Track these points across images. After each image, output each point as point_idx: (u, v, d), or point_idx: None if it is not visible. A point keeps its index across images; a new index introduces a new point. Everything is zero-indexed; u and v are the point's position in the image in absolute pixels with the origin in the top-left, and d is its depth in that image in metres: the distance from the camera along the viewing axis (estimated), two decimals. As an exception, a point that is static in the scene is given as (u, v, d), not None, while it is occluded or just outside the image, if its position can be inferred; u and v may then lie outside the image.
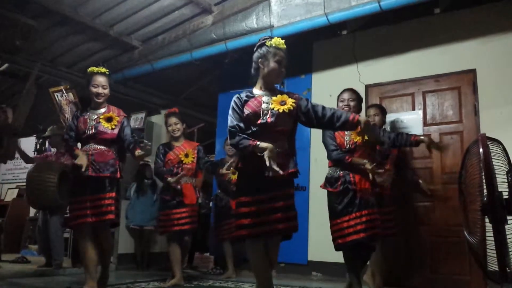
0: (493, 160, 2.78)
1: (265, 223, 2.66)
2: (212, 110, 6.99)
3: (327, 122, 2.81)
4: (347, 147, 3.50)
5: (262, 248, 2.74)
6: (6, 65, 6.25)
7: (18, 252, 7.18)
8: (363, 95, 5.04)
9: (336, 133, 3.56)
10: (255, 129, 2.76)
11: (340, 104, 3.70)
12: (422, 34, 5.02)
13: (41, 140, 8.04)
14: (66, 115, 6.40)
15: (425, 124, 4.87)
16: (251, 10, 5.13)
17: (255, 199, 2.69)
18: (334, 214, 3.46)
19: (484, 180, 2.77)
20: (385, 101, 5.13)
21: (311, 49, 5.77)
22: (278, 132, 2.77)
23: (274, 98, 2.81)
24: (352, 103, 3.65)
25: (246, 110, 2.78)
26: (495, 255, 2.72)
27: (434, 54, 4.91)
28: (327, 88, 5.21)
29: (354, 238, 3.33)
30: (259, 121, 2.75)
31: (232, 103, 2.84)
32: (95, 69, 3.78)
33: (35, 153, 8.23)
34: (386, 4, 4.33)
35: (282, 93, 2.89)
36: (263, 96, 2.84)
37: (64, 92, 6.14)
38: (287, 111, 2.75)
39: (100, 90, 3.71)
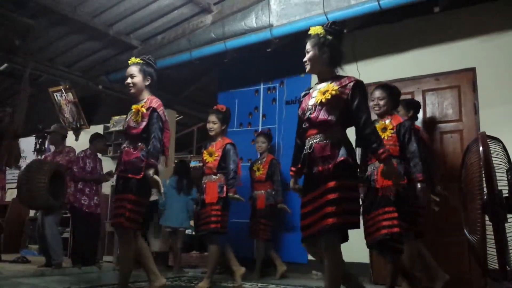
0: (493, 158, 2.78)
1: (311, 225, 2.53)
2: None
3: (358, 134, 2.67)
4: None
5: (318, 248, 2.62)
6: (5, 64, 6.25)
7: (18, 252, 7.17)
8: (362, 94, 5.05)
9: None
10: (305, 125, 2.70)
11: (371, 103, 3.57)
12: (421, 33, 5.02)
13: (40, 140, 8.03)
14: (65, 115, 6.41)
15: (425, 123, 4.87)
16: (250, 10, 5.13)
17: (307, 199, 2.60)
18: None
19: (484, 179, 2.77)
20: (385, 100, 5.13)
21: (310, 48, 5.77)
22: (321, 123, 2.62)
23: (321, 89, 2.68)
24: (382, 102, 3.60)
25: (300, 111, 2.78)
26: (495, 254, 2.72)
27: (434, 53, 4.91)
28: (327, 87, 5.20)
29: (374, 236, 3.29)
30: (305, 117, 2.69)
31: None
32: (129, 61, 3.52)
33: (35, 153, 8.22)
34: (385, 3, 4.33)
35: (337, 79, 2.74)
36: (314, 91, 2.75)
37: (64, 92, 6.16)
38: (324, 100, 2.59)
39: (128, 80, 3.43)
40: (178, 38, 5.65)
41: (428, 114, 4.89)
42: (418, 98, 4.94)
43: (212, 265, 4.40)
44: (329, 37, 2.74)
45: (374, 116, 3.73)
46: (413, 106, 4.37)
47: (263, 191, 5.28)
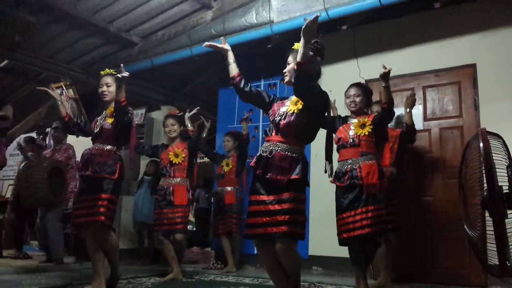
0: (493, 154, 2.79)
1: (259, 225, 2.64)
2: (213, 106, 6.99)
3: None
4: (351, 141, 3.52)
5: (266, 248, 2.72)
6: (5, 61, 6.25)
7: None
8: (363, 90, 5.07)
9: (341, 127, 3.63)
10: (271, 130, 2.81)
11: (347, 100, 3.71)
12: (422, 29, 5.02)
13: (41, 136, 8.03)
14: (66, 111, 6.39)
15: (425, 119, 4.88)
16: (251, 6, 5.12)
17: (256, 200, 2.70)
18: (339, 209, 3.47)
19: (484, 175, 2.78)
20: (385, 96, 5.13)
21: (311, 44, 5.76)
22: (288, 131, 2.72)
23: (292, 100, 2.78)
24: (357, 99, 3.65)
25: (270, 113, 2.85)
26: (495, 249, 2.73)
27: (434, 49, 4.91)
28: (327, 83, 5.15)
29: (359, 233, 3.32)
30: (274, 122, 2.78)
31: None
32: (102, 72, 3.77)
33: (36, 149, 8.22)
34: (386, -1, 4.33)
35: None
36: (288, 101, 2.84)
37: (64, 88, 6.14)
38: (297, 111, 2.69)
39: (104, 88, 3.67)
40: (179, 34, 5.65)
41: (429, 110, 4.89)
42: (419, 94, 4.94)
43: (181, 254, 4.76)
44: (310, 53, 2.75)
45: (347, 112, 3.81)
46: (369, 92, 4.40)
47: (231, 187, 5.36)
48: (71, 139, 6.39)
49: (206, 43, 2.88)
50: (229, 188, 5.37)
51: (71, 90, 6.33)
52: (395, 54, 5.15)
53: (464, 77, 4.75)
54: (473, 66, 4.68)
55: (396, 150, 4.25)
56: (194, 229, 7.80)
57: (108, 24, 5.54)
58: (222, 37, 2.99)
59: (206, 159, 9.67)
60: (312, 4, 4.71)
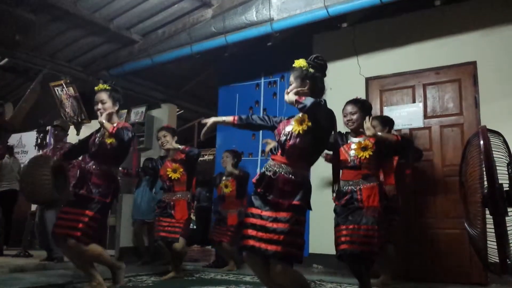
0: (493, 152, 2.78)
1: (252, 237, 2.59)
2: (213, 104, 6.99)
3: None
4: (351, 163, 3.50)
5: (253, 259, 2.68)
6: (6, 59, 6.24)
7: (20, 246, 7.19)
8: (363, 88, 5.08)
9: (341, 148, 3.57)
10: (276, 149, 2.75)
11: (344, 119, 3.63)
12: (422, 27, 5.02)
13: (42, 134, 8.04)
14: (66, 109, 6.40)
15: (425, 116, 4.88)
16: (251, 3, 5.11)
17: (252, 213, 2.66)
18: (335, 223, 3.50)
19: (484, 172, 2.77)
20: (386, 93, 5.13)
21: (311, 42, 5.74)
22: (294, 153, 2.65)
23: (297, 118, 2.70)
24: (354, 116, 3.57)
25: (276, 132, 2.81)
26: (495, 247, 2.72)
27: (435, 47, 4.90)
28: (328, 81, 5.15)
29: (346, 247, 3.33)
30: (280, 141, 2.72)
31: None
32: (96, 88, 3.69)
33: (36, 147, 8.22)
34: (386, -4, 4.32)
35: None
36: (293, 119, 2.76)
37: (64, 86, 6.14)
38: (301, 132, 2.60)
39: (99, 106, 3.59)
40: (179, 32, 5.63)
41: (429, 108, 4.89)
42: (419, 91, 4.95)
43: (180, 260, 4.70)
44: (311, 70, 2.73)
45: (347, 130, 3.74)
46: (389, 123, 4.35)
47: (234, 210, 5.35)
48: (71, 138, 6.39)
49: (202, 135, 2.89)
50: (232, 211, 5.37)
51: (71, 88, 6.34)
52: (395, 52, 5.15)
53: (465, 74, 4.74)
54: (473, 64, 4.68)
55: (394, 166, 4.18)
56: (195, 227, 7.80)
57: (108, 22, 5.52)
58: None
59: (206, 157, 9.68)
60: (312, 2, 4.70)
